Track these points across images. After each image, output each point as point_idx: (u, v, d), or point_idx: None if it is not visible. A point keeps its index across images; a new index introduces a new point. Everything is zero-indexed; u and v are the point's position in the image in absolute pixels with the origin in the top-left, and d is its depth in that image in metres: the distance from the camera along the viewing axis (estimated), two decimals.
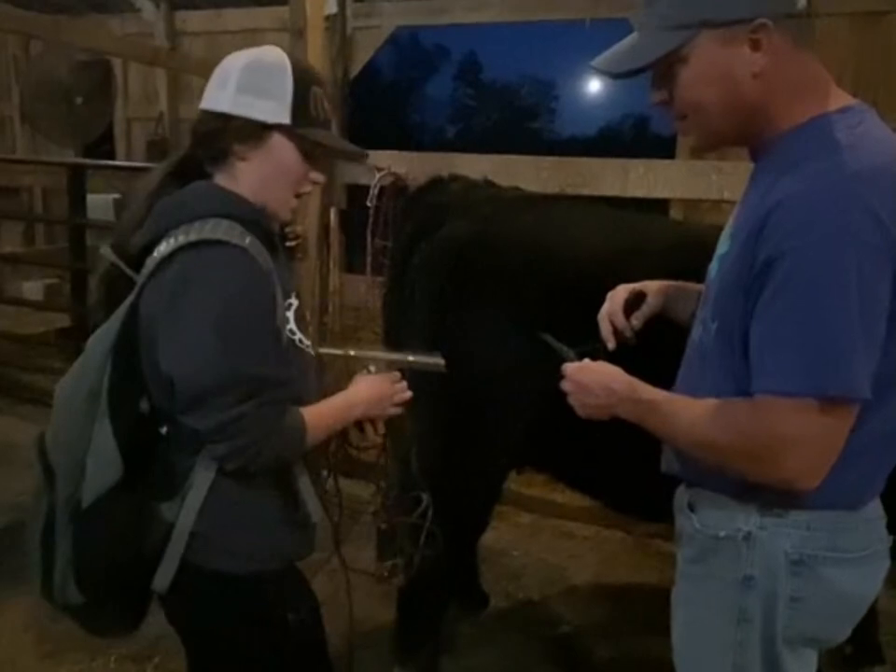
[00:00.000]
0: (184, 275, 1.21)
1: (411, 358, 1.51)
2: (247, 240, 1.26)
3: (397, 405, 1.49)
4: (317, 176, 1.39)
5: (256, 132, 1.30)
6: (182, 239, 1.22)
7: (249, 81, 1.29)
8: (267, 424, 1.24)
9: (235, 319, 1.21)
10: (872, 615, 2.35)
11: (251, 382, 1.22)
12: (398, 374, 1.50)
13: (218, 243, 1.22)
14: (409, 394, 1.49)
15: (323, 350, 1.50)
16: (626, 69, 1.19)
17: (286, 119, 1.30)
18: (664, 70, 1.17)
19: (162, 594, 1.34)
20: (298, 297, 1.41)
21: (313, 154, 1.36)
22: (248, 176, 1.33)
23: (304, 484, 1.39)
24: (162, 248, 1.25)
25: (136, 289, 1.26)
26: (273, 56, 1.33)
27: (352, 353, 1.50)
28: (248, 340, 1.23)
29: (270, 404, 1.24)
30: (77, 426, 1.25)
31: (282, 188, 1.36)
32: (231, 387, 1.21)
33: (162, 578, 1.31)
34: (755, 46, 1.10)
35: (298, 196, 1.39)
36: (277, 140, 1.32)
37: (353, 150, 1.48)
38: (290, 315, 1.36)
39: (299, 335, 1.37)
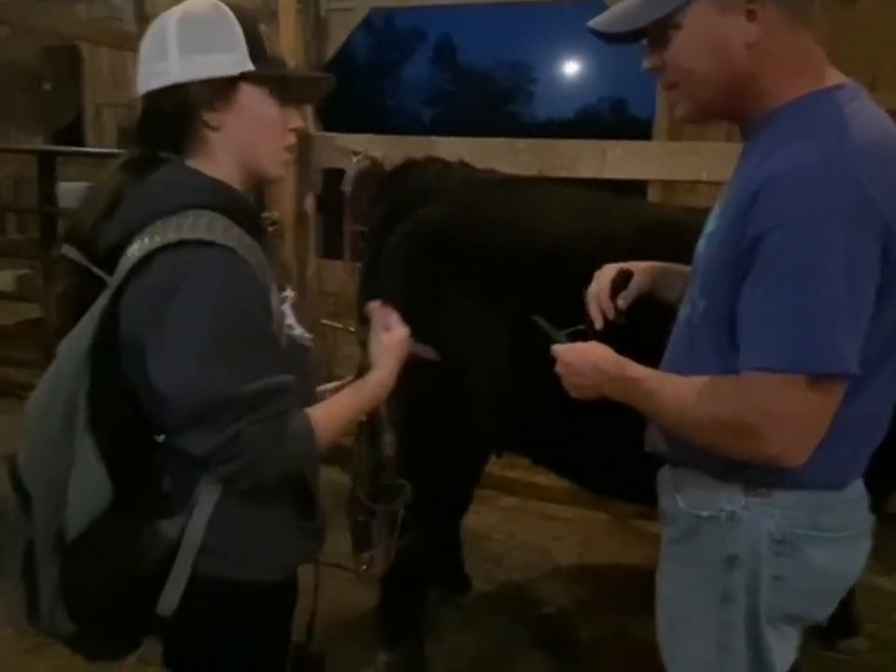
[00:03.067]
0: (166, 283, 1.08)
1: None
2: (235, 233, 1.14)
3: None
4: (296, 122, 1.26)
5: (222, 90, 1.16)
6: (159, 239, 1.09)
7: (192, 39, 1.14)
8: (268, 439, 1.13)
9: (226, 333, 1.10)
10: (850, 588, 2.39)
11: (246, 400, 1.10)
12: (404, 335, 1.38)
13: (201, 243, 1.09)
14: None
15: (325, 321, 1.45)
16: (620, 30, 1.18)
17: (247, 65, 1.16)
18: (658, 35, 1.16)
19: (168, 617, 1.20)
20: (290, 286, 1.32)
21: (285, 97, 1.22)
22: (225, 147, 1.19)
23: (318, 489, 1.32)
24: (136, 247, 1.11)
25: (111, 293, 1.13)
26: (205, 4, 1.17)
27: (351, 329, 1.45)
28: (241, 354, 1.11)
29: (269, 418, 1.13)
30: (54, 445, 1.13)
31: (267, 143, 1.22)
32: (225, 408, 1.09)
33: (169, 600, 1.19)
34: (750, 16, 1.09)
35: (287, 149, 1.26)
36: (247, 92, 1.18)
37: (322, 76, 1.34)
38: (287, 308, 1.25)
39: (298, 329, 1.27)
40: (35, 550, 1.18)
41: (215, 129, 1.18)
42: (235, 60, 1.16)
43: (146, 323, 1.10)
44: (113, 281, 1.14)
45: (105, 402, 1.14)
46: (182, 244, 1.09)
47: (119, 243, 1.15)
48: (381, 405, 1.44)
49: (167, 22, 1.16)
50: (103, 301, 1.14)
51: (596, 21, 1.21)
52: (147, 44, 1.18)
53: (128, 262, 1.12)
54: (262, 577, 1.27)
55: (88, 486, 1.13)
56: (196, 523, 1.19)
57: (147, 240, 1.11)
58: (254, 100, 1.19)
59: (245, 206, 1.21)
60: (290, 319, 1.25)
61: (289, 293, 1.28)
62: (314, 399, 1.31)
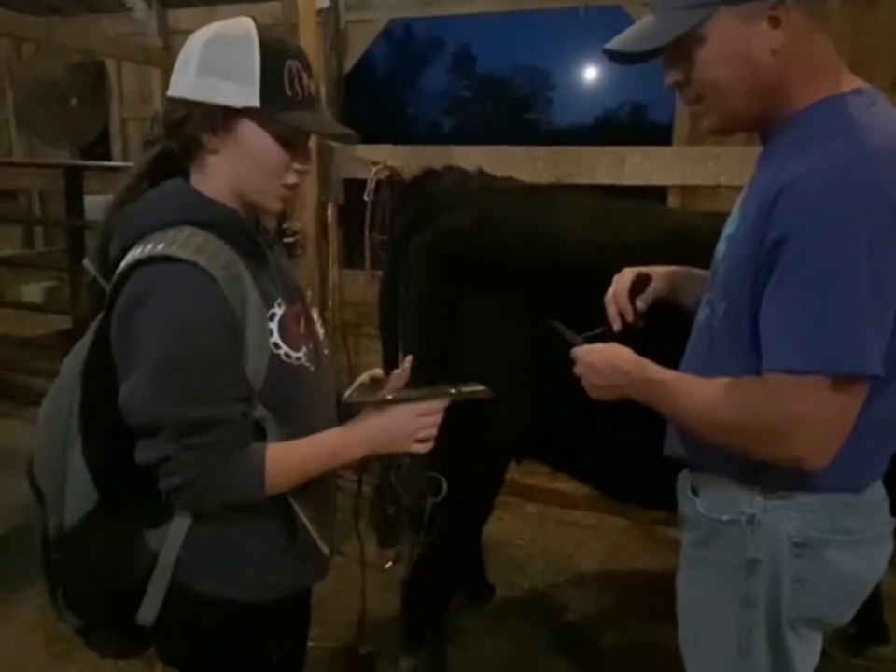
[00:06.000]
0: (133, 298, 1.11)
1: (452, 391, 1.29)
2: (211, 249, 1.13)
3: (421, 441, 1.25)
4: (302, 166, 1.22)
5: (221, 119, 1.14)
6: (139, 254, 1.11)
7: (210, 60, 1.13)
8: (201, 466, 1.11)
9: (177, 353, 1.09)
10: (876, 596, 2.36)
11: (182, 424, 1.10)
12: (427, 407, 1.25)
13: (165, 259, 1.09)
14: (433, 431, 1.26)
15: (352, 400, 1.32)
16: (643, 49, 1.18)
17: (254, 101, 1.13)
18: (679, 51, 1.16)
19: (148, 626, 1.24)
20: (295, 301, 1.29)
21: (293, 140, 1.19)
22: (220, 171, 1.19)
23: (306, 513, 1.26)
24: (124, 263, 1.14)
25: (105, 306, 1.16)
26: (238, 28, 1.15)
27: (389, 397, 1.28)
28: (188, 377, 1.10)
29: (205, 446, 1.11)
30: (58, 449, 1.19)
31: (261, 180, 1.19)
32: (161, 428, 1.10)
33: (147, 610, 1.22)
34: (774, 23, 1.09)
35: (287, 187, 1.22)
36: (247, 127, 1.15)
37: (339, 132, 1.27)
38: (274, 325, 1.20)
39: (284, 349, 1.21)
40: (49, 543, 1.25)
41: (213, 152, 1.18)
42: (243, 93, 1.13)
43: (117, 336, 1.14)
44: (107, 295, 1.18)
45: (95, 411, 1.18)
46: (149, 260, 1.10)
47: (118, 257, 1.18)
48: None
49: (199, 37, 1.17)
50: (100, 315, 1.19)
51: (617, 42, 1.21)
52: (180, 54, 1.19)
53: (115, 277, 1.15)
54: (242, 595, 1.26)
55: (77, 490, 1.19)
56: (172, 537, 1.21)
57: (131, 255, 1.14)
58: (253, 136, 1.16)
59: (234, 222, 1.20)
60: (276, 338, 1.21)
61: (279, 310, 1.23)
62: (312, 418, 1.27)
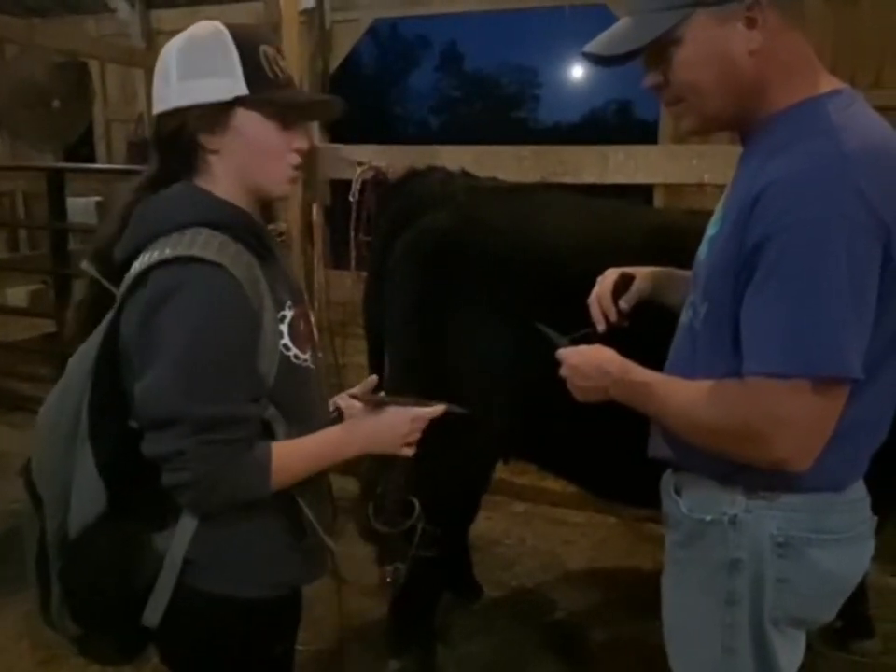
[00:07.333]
0: (156, 296, 1.12)
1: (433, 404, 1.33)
2: (232, 250, 1.15)
3: (410, 444, 1.31)
4: (301, 143, 1.24)
5: (216, 115, 1.17)
6: (157, 255, 1.12)
7: (189, 64, 1.16)
8: (213, 463, 1.12)
9: (199, 351, 1.11)
10: (861, 590, 2.39)
11: (199, 420, 1.11)
12: (422, 411, 1.31)
13: (192, 260, 1.11)
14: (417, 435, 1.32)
15: (364, 397, 1.38)
16: (620, 52, 1.18)
17: (242, 89, 1.16)
18: (658, 53, 1.16)
19: (153, 628, 1.24)
20: (299, 302, 1.30)
21: (286, 120, 1.21)
22: (226, 168, 1.21)
23: (310, 510, 1.28)
24: (138, 264, 1.15)
25: (115, 308, 1.17)
26: (206, 29, 1.19)
27: (385, 398, 1.34)
28: (208, 374, 1.12)
29: (220, 443, 1.12)
30: (62, 452, 1.19)
31: (266, 165, 1.22)
32: (177, 422, 1.11)
33: (153, 612, 1.22)
34: (750, 23, 1.10)
35: (292, 168, 1.25)
36: (242, 116, 1.18)
37: (327, 100, 1.26)
38: (284, 328, 1.23)
39: (294, 350, 1.24)
40: (47, 550, 1.23)
41: (214, 152, 1.20)
42: (229, 84, 1.16)
43: (136, 334, 1.14)
44: (118, 297, 1.18)
45: (105, 413, 1.18)
46: (175, 260, 1.12)
47: (128, 259, 1.19)
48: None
49: (172, 47, 1.19)
50: (109, 315, 1.19)
51: (595, 45, 1.21)
52: (157, 68, 1.21)
53: (129, 278, 1.16)
54: (250, 593, 1.27)
55: (85, 493, 1.18)
56: (181, 536, 1.21)
57: (147, 257, 1.14)
58: (250, 123, 1.19)
59: (248, 224, 1.22)
60: (286, 339, 1.23)
61: (289, 312, 1.25)
62: (314, 418, 1.30)
